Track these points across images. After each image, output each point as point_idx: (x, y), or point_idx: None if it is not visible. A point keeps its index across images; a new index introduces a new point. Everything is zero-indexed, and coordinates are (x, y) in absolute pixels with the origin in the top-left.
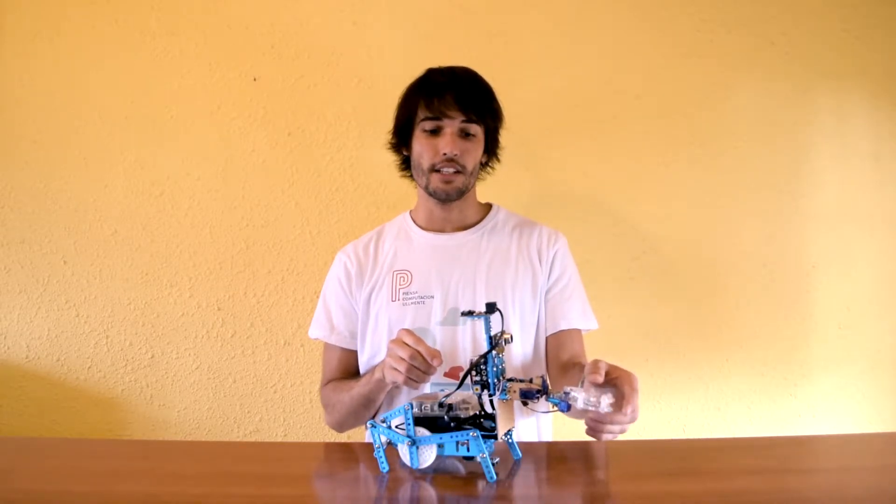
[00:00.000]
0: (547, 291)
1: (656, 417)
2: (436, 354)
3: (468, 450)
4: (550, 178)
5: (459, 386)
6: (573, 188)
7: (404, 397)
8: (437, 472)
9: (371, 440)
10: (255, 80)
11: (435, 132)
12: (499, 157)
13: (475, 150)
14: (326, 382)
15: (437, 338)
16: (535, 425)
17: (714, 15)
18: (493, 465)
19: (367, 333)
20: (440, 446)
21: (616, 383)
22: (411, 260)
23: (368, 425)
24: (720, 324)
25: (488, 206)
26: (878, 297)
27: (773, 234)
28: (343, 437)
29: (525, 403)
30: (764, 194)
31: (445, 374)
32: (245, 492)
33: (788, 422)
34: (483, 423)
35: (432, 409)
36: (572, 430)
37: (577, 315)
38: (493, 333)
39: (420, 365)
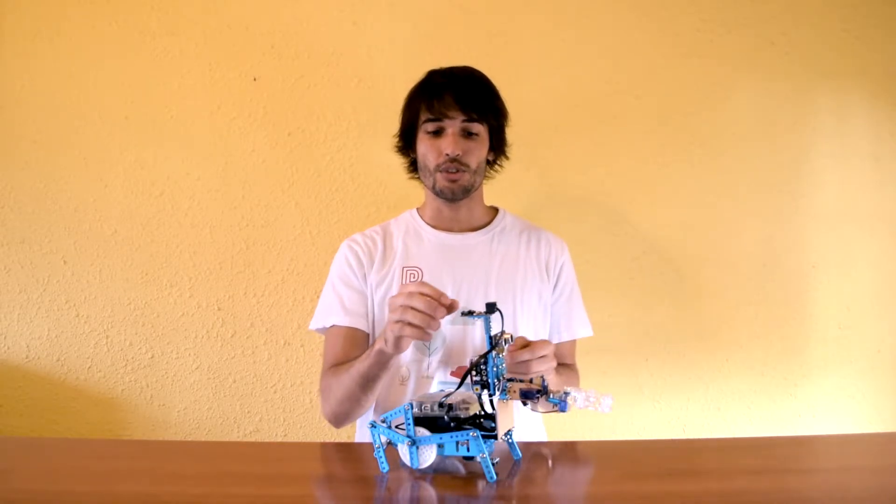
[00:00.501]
0: (553, 303)
1: (656, 417)
2: (440, 294)
3: (468, 450)
4: (550, 178)
5: (460, 386)
6: (573, 188)
7: (405, 397)
8: (437, 472)
9: (371, 440)
10: (255, 80)
11: (437, 133)
12: (507, 154)
13: (478, 149)
14: (328, 368)
15: (446, 337)
16: (533, 425)
17: (714, 15)
18: (493, 465)
19: (374, 326)
20: (440, 446)
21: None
22: (421, 257)
23: (368, 425)
24: (720, 324)
25: (494, 210)
26: (878, 297)
27: (772, 234)
28: (343, 437)
29: (525, 403)
30: (764, 194)
31: (452, 374)
32: (245, 492)
33: (788, 422)
34: (483, 423)
35: (432, 409)
36: (572, 431)
37: (578, 326)
38: (493, 333)
39: (423, 307)
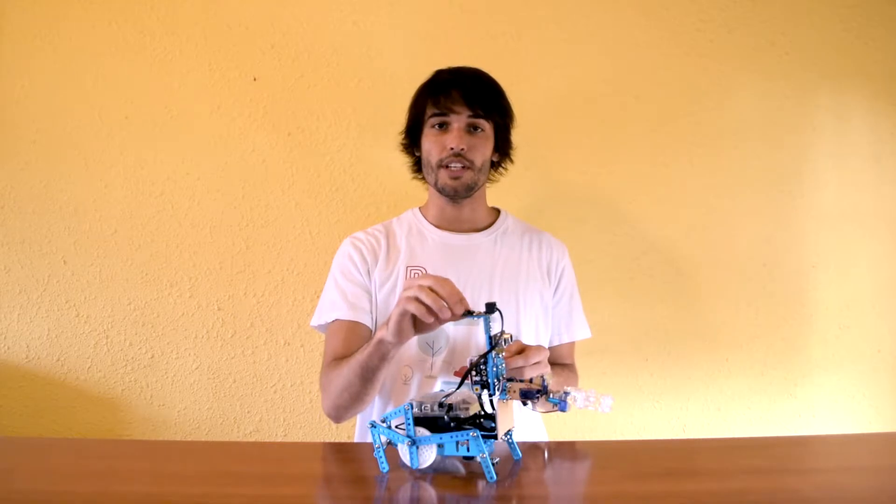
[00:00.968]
0: (554, 306)
1: (656, 417)
2: (463, 299)
3: (468, 450)
4: (550, 178)
5: (460, 386)
6: (573, 188)
7: (408, 397)
8: (437, 472)
9: (371, 440)
10: (255, 80)
11: (442, 128)
12: (511, 157)
13: (483, 146)
14: (329, 362)
15: (450, 336)
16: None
17: (714, 15)
18: (493, 465)
19: (376, 325)
20: (440, 446)
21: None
22: (425, 257)
23: (368, 425)
24: (720, 324)
25: (496, 211)
26: (878, 297)
27: (772, 234)
28: (343, 437)
29: (525, 403)
30: (764, 194)
31: (455, 374)
32: (245, 492)
33: (788, 422)
34: (483, 423)
35: (432, 409)
36: (572, 431)
37: (578, 328)
38: (493, 334)
39: (445, 294)
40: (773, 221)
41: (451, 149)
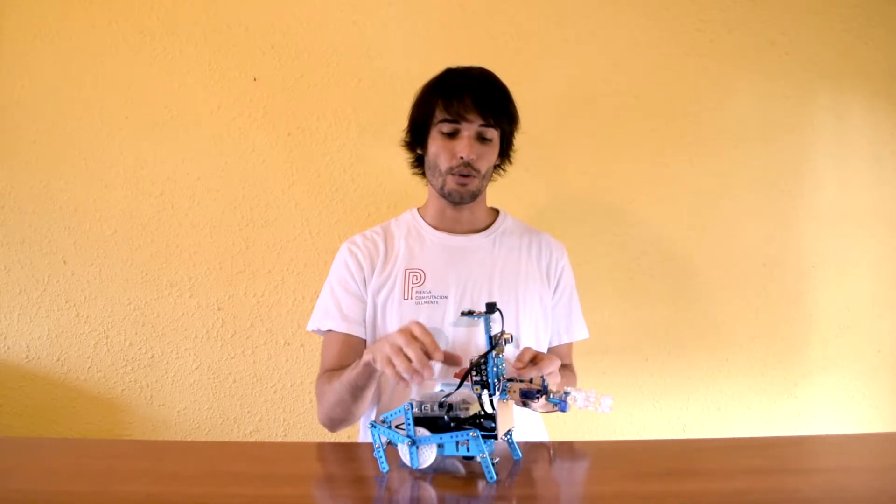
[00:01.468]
0: (553, 306)
1: (656, 417)
2: (436, 349)
3: (468, 450)
4: (550, 178)
5: (459, 386)
6: (573, 188)
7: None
8: (436, 472)
9: (371, 440)
10: (255, 80)
11: (452, 134)
12: (511, 159)
13: (490, 154)
14: (324, 372)
15: (449, 339)
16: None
17: (714, 15)
18: (493, 465)
19: (376, 329)
20: (440, 446)
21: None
22: (424, 259)
23: (368, 425)
24: (720, 324)
25: (495, 211)
26: (878, 297)
27: (772, 234)
28: (343, 437)
29: (525, 404)
30: (764, 194)
31: (455, 375)
32: (245, 492)
33: (788, 422)
34: (483, 423)
35: (432, 409)
36: (572, 431)
37: (577, 329)
38: (493, 333)
39: (415, 360)
40: (773, 221)
41: (462, 158)
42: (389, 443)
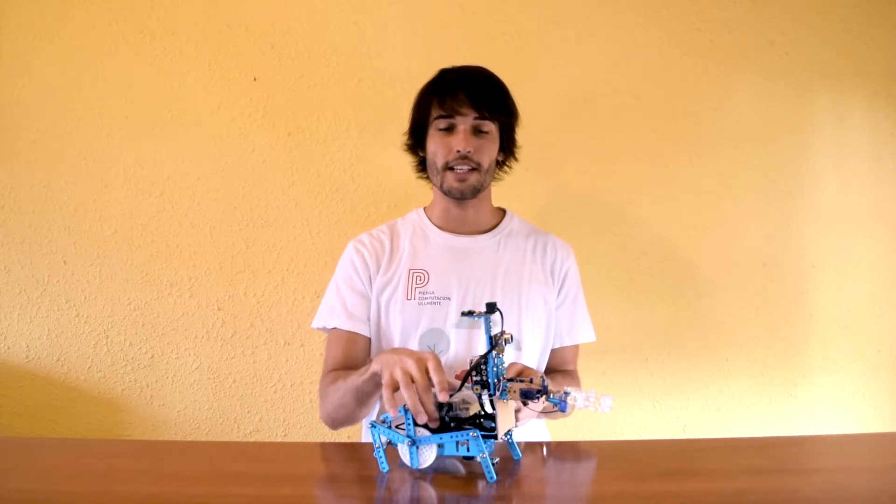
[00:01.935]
0: (556, 307)
1: (656, 417)
2: (444, 388)
3: (468, 450)
4: (550, 178)
5: (460, 388)
6: (573, 188)
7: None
8: (436, 472)
9: (371, 440)
10: (255, 80)
11: (448, 130)
12: (516, 155)
13: (489, 148)
14: (328, 371)
15: (450, 340)
16: (535, 425)
17: (714, 15)
18: (493, 465)
19: (379, 328)
20: (440, 446)
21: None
22: (428, 259)
23: (368, 425)
24: (720, 324)
25: (502, 212)
26: (878, 297)
27: (772, 234)
28: (343, 437)
29: (525, 404)
30: (764, 194)
31: (456, 377)
32: (245, 492)
33: (788, 422)
34: (483, 423)
35: None
36: (573, 431)
37: (581, 331)
38: (493, 334)
39: (422, 391)
40: (773, 221)
41: (458, 151)
42: (389, 443)
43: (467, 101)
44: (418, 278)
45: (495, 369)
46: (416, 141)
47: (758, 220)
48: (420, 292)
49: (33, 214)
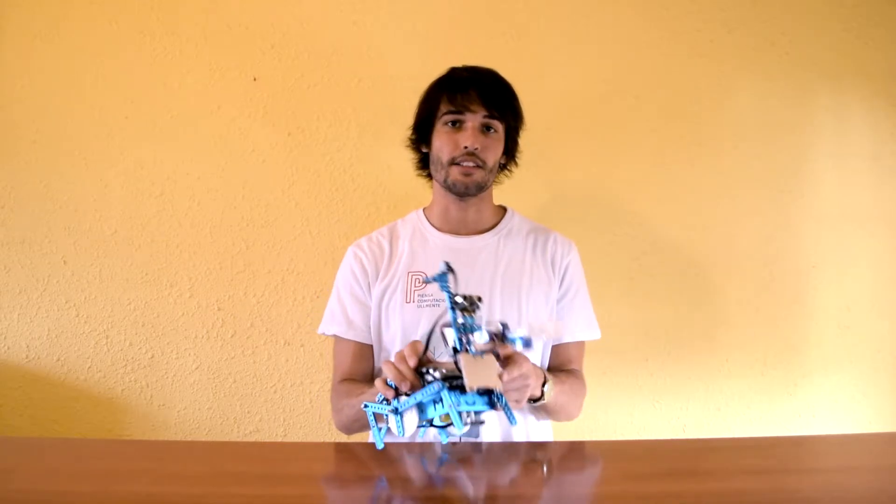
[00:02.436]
0: (557, 302)
1: (656, 417)
2: (413, 352)
3: (443, 407)
4: (550, 178)
5: (425, 351)
6: (573, 188)
7: None
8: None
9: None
10: (255, 80)
11: (456, 126)
12: (517, 160)
13: (495, 147)
14: (339, 381)
15: (450, 342)
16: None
17: (714, 15)
18: (477, 423)
19: (381, 333)
20: (421, 410)
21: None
22: (427, 262)
23: (362, 406)
24: (720, 324)
25: (503, 210)
26: (878, 297)
27: (773, 234)
28: (343, 437)
29: (498, 357)
30: (764, 194)
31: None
32: (245, 492)
33: (788, 422)
34: (458, 384)
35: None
36: (573, 431)
37: (582, 328)
38: (453, 294)
39: (396, 358)
40: (773, 221)
41: (465, 147)
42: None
43: (478, 98)
44: (417, 281)
45: (460, 325)
46: (421, 136)
47: (758, 220)
48: (419, 295)
49: (33, 214)
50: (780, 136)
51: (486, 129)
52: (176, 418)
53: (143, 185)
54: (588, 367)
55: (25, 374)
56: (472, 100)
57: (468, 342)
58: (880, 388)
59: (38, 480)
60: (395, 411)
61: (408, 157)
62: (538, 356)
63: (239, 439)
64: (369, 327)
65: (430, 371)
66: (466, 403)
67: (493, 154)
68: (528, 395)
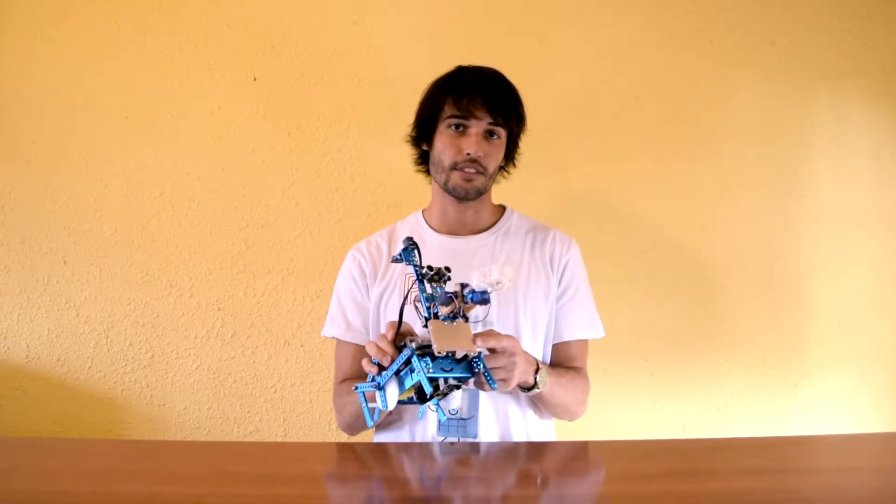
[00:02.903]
0: (556, 299)
1: (656, 417)
2: (390, 326)
3: (414, 371)
4: (550, 178)
5: (400, 321)
6: (573, 188)
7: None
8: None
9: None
10: (255, 80)
11: (459, 129)
12: (516, 162)
13: (497, 153)
14: (340, 382)
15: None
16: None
17: (714, 15)
18: (453, 387)
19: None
20: (399, 382)
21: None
22: (424, 263)
23: (353, 389)
24: (720, 324)
25: (501, 209)
26: (878, 297)
27: (772, 234)
28: (343, 437)
29: (464, 317)
30: (764, 194)
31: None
32: (245, 492)
33: (788, 422)
34: (430, 351)
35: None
36: (573, 431)
37: (582, 326)
38: (417, 264)
39: (374, 354)
40: (773, 221)
41: (468, 154)
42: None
43: (483, 105)
44: (413, 281)
45: (429, 294)
46: (422, 134)
47: (758, 220)
48: (416, 297)
49: (33, 214)
50: (780, 136)
51: (489, 134)
52: (176, 418)
53: (143, 185)
54: (588, 367)
55: (25, 374)
56: (478, 106)
57: (437, 310)
58: (880, 388)
59: (38, 480)
60: (378, 386)
61: (408, 157)
62: (539, 354)
63: (239, 439)
64: (368, 329)
65: (408, 343)
66: (443, 370)
67: (495, 160)
68: (515, 374)
